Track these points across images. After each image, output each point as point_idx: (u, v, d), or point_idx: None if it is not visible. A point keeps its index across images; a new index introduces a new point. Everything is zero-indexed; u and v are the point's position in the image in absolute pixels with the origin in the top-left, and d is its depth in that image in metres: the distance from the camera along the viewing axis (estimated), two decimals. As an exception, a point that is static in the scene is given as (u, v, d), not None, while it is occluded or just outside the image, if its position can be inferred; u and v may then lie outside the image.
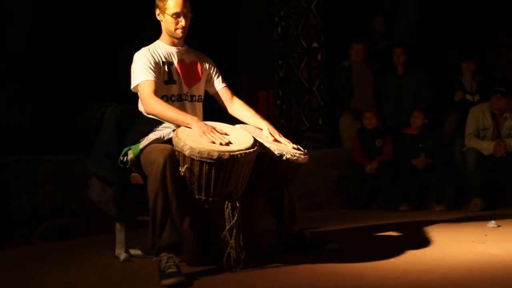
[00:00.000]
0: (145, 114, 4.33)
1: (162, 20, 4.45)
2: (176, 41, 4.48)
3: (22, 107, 6.75)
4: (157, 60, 4.39)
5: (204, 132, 4.08)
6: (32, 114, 6.84)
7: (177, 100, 4.42)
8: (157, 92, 4.31)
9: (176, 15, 4.39)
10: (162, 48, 4.46)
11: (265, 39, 8.73)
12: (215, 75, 4.62)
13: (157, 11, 4.44)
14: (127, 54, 4.49)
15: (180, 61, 4.48)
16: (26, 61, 6.88)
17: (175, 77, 4.43)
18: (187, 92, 4.47)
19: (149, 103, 4.25)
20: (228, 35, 8.96)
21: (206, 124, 4.16)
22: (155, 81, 4.31)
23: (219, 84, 4.60)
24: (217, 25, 7.90)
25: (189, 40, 4.57)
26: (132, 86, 4.37)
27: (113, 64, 4.68)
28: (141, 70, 4.32)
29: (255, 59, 9.09)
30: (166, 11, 4.39)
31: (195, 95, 4.51)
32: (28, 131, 6.48)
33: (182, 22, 4.40)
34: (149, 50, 4.42)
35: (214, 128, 4.12)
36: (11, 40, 6.89)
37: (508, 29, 8.67)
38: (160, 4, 4.41)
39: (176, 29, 4.41)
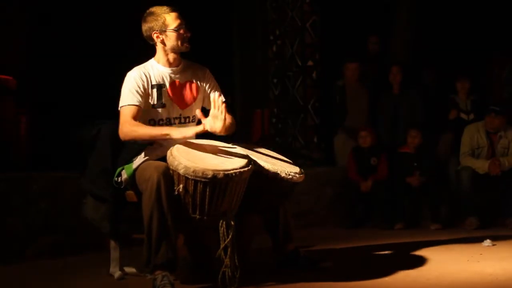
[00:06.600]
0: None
1: (163, 40, 4.34)
2: (172, 60, 4.41)
3: (16, 123, 6.72)
4: (146, 84, 4.32)
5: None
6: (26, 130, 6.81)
7: (165, 124, 4.36)
8: (141, 117, 4.26)
9: (179, 27, 4.33)
10: (155, 69, 4.39)
11: (260, 57, 8.74)
12: (211, 91, 4.50)
13: (154, 34, 4.32)
14: (122, 71, 4.45)
15: (172, 83, 4.40)
16: (21, 77, 6.87)
17: (164, 100, 4.35)
18: (180, 115, 4.39)
19: (123, 129, 4.21)
20: (223, 54, 8.95)
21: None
22: (138, 106, 4.25)
23: None
24: (212, 43, 7.90)
25: (184, 58, 4.52)
26: (119, 107, 4.32)
27: (107, 81, 4.65)
28: (127, 94, 4.28)
29: (250, 77, 9.09)
30: (169, 28, 4.31)
31: (188, 117, 4.44)
32: (22, 148, 6.45)
33: (187, 32, 4.36)
34: (140, 71, 4.35)
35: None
36: (6, 56, 6.88)
37: (502, 47, 8.69)
38: (157, 24, 4.30)
39: (183, 42, 4.35)
